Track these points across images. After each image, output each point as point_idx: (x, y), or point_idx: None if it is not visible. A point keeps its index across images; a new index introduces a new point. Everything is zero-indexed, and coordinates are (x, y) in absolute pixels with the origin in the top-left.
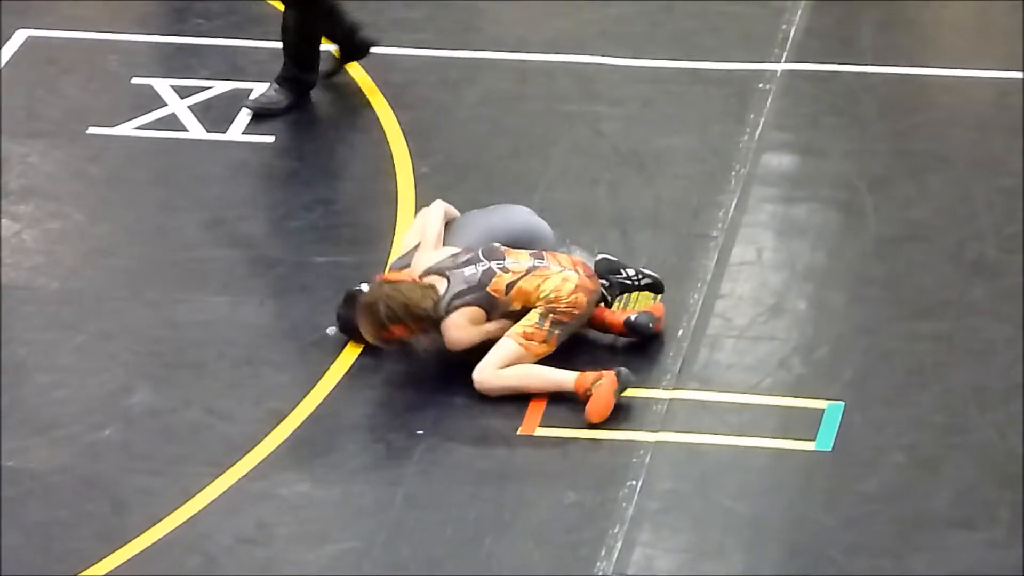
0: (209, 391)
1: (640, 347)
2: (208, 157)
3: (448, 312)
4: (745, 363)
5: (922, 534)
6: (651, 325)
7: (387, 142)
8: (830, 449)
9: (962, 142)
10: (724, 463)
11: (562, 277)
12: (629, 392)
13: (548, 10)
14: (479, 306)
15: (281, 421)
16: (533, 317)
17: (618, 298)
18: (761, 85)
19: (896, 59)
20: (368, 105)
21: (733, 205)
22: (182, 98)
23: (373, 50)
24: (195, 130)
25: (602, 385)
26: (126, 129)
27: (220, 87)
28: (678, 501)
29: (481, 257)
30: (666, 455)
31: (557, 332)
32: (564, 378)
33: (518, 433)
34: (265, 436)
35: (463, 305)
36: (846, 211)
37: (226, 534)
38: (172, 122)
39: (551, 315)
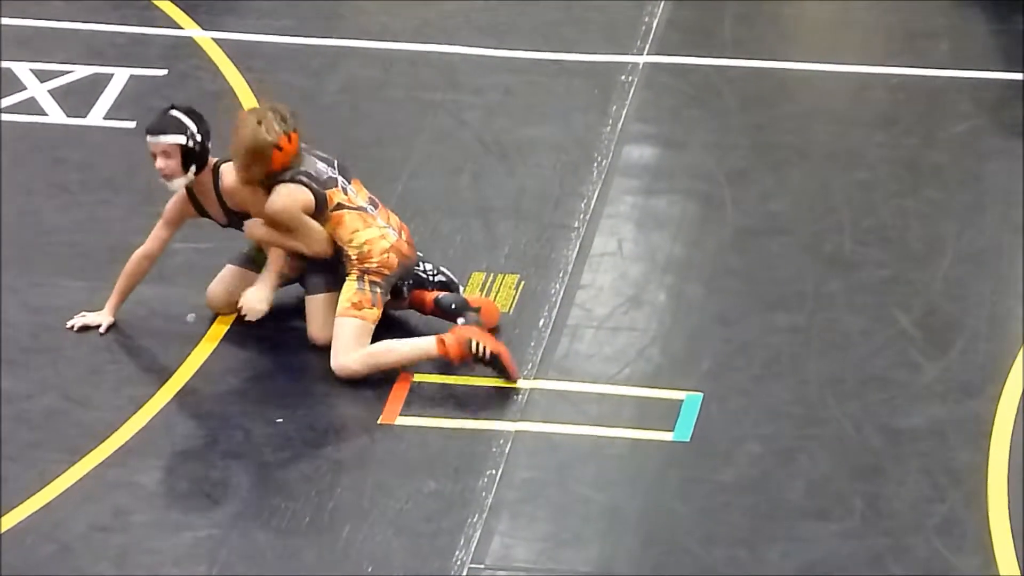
0: (66, 377)
1: (501, 337)
2: (68, 141)
3: (292, 180)
4: (604, 353)
5: (777, 524)
6: (457, 308)
7: None
8: (688, 439)
9: (821, 136)
10: (582, 453)
11: (381, 234)
12: (489, 381)
13: None
14: (316, 198)
15: (139, 408)
16: (352, 286)
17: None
18: (623, 77)
19: (756, 53)
20: (230, 91)
21: (595, 196)
22: (41, 82)
23: (235, 36)
24: (54, 114)
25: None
26: None
27: (80, 71)
28: (536, 490)
29: (335, 166)
30: (525, 444)
31: (379, 291)
32: (425, 345)
33: (378, 422)
34: (123, 423)
35: (305, 185)
36: (706, 203)
37: (81, 521)
38: (31, 106)
39: (366, 275)
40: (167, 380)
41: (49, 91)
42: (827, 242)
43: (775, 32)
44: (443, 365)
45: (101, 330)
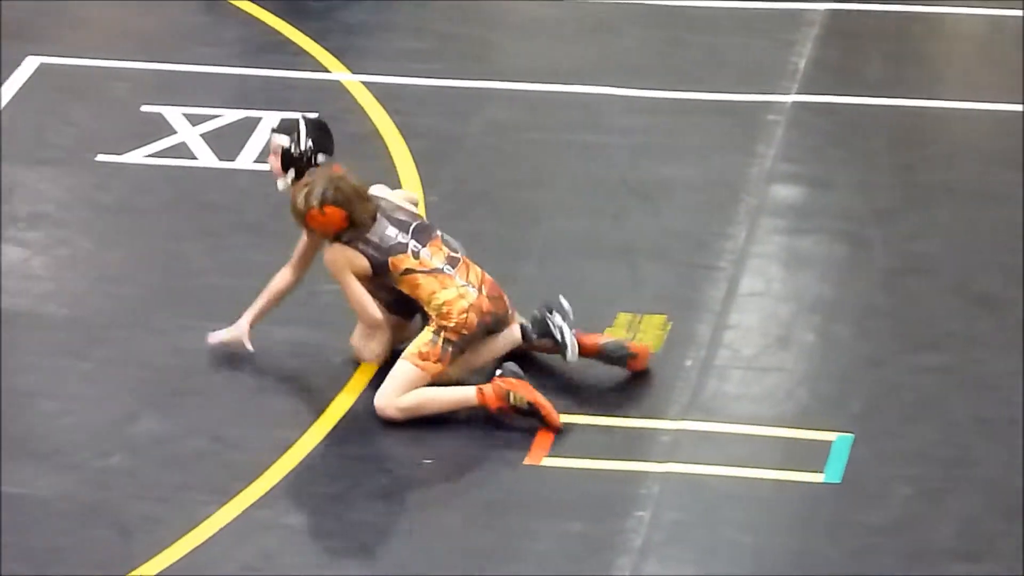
0: (216, 419)
1: (648, 378)
2: (217, 185)
3: (347, 242)
4: (752, 394)
5: (925, 566)
6: (620, 355)
7: (396, 170)
8: (839, 481)
9: (968, 175)
10: (731, 494)
11: (459, 293)
12: (637, 423)
13: (557, 41)
14: (371, 263)
15: (288, 449)
16: (427, 335)
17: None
18: (771, 117)
19: (903, 92)
20: (378, 133)
21: (742, 236)
22: (192, 126)
23: (382, 79)
24: (204, 158)
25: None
26: (135, 157)
27: (230, 115)
28: (685, 532)
29: (411, 230)
30: (673, 486)
31: (451, 350)
32: (465, 394)
33: (524, 463)
34: (272, 464)
35: (360, 251)
36: (853, 243)
37: (230, 563)
38: (181, 150)
39: (443, 332)
40: (315, 421)
41: (198, 135)
42: (975, 282)
43: (921, 71)
44: (593, 405)
45: (248, 345)
